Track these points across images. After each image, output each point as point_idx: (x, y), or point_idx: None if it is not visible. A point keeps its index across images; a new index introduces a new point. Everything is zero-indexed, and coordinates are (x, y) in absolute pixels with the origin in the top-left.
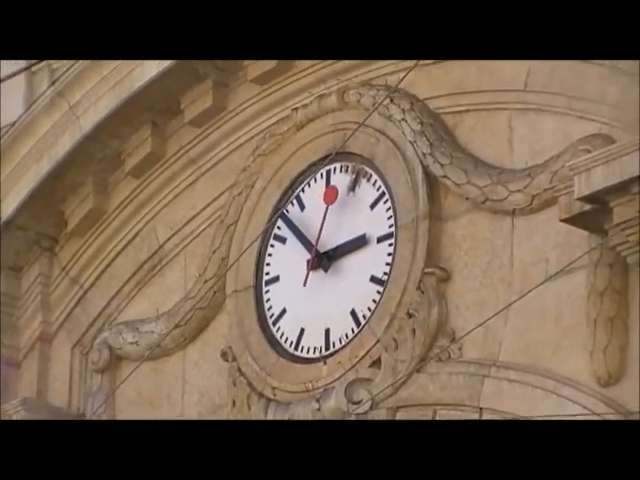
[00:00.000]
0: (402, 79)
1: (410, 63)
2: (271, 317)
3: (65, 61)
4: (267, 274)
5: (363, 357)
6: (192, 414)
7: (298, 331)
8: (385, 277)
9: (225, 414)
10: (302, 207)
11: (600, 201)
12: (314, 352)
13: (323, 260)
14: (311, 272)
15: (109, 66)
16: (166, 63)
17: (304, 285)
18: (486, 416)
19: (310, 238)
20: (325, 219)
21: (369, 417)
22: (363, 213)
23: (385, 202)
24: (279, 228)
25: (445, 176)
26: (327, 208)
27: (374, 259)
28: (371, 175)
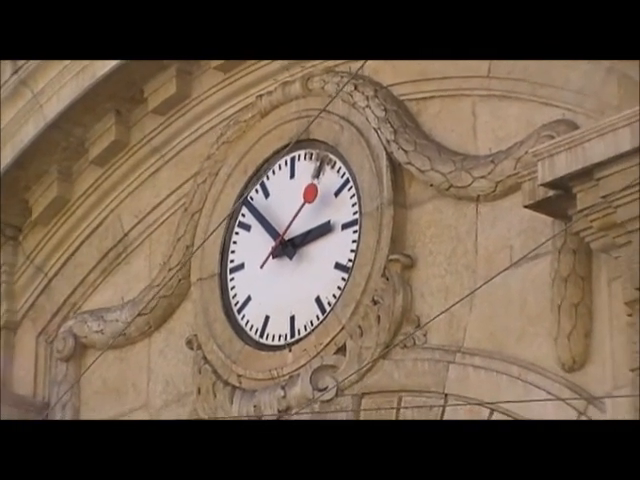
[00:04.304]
0: (362, 65)
1: None
2: (236, 305)
3: None
4: (232, 262)
5: (328, 344)
6: (157, 402)
7: (263, 319)
8: (350, 264)
9: (190, 402)
10: (267, 194)
11: (563, 187)
12: (279, 339)
13: (287, 247)
14: (276, 259)
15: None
16: None
17: (261, 268)
18: (451, 402)
19: (275, 225)
20: (298, 214)
21: (334, 404)
22: (328, 200)
23: (349, 189)
24: (243, 215)
25: (409, 163)
26: (303, 204)
27: (339, 246)
28: (335, 162)
